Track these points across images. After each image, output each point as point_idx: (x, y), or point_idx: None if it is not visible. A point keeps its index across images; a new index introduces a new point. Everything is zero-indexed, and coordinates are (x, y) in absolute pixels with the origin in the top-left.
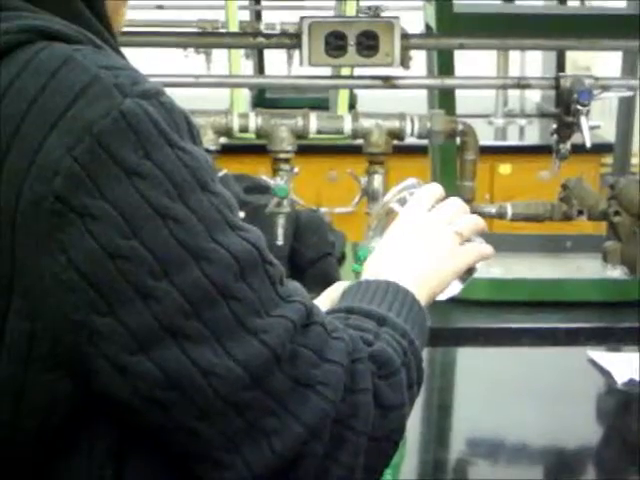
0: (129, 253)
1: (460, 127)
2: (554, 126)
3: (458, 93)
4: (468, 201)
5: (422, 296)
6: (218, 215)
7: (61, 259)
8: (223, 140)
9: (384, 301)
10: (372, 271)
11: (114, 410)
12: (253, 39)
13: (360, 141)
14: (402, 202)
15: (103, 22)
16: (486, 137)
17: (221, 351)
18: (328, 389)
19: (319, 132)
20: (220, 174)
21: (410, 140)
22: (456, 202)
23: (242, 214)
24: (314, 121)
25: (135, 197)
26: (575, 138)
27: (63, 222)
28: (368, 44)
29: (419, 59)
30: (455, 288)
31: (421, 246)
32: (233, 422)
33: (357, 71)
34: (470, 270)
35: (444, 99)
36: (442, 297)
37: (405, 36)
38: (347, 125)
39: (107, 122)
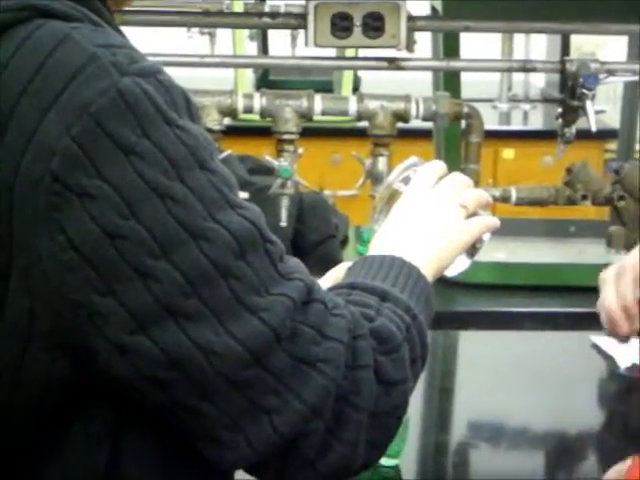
0: (128, 233)
1: (465, 110)
2: (559, 110)
3: (463, 77)
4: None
5: (429, 271)
6: (217, 193)
7: (60, 239)
8: (227, 121)
9: (388, 276)
10: (377, 248)
11: (113, 389)
12: (259, 19)
13: (364, 124)
14: (406, 181)
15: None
16: (490, 122)
17: (221, 330)
18: (329, 366)
19: (324, 113)
20: (224, 155)
21: (414, 123)
22: (459, 177)
23: (246, 195)
24: (319, 102)
25: (133, 176)
26: (579, 123)
27: (61, 202)
28: (374, 25)
29: (424, 42)
30: (463, 263)
31: (426, 221)
32: (234, 401)
33: (361, 53)
34: (477, 245)
35: (449, 82)
36: (451, 273)
37: (411, 18)
38: (352, 106)
39: (105, 101)
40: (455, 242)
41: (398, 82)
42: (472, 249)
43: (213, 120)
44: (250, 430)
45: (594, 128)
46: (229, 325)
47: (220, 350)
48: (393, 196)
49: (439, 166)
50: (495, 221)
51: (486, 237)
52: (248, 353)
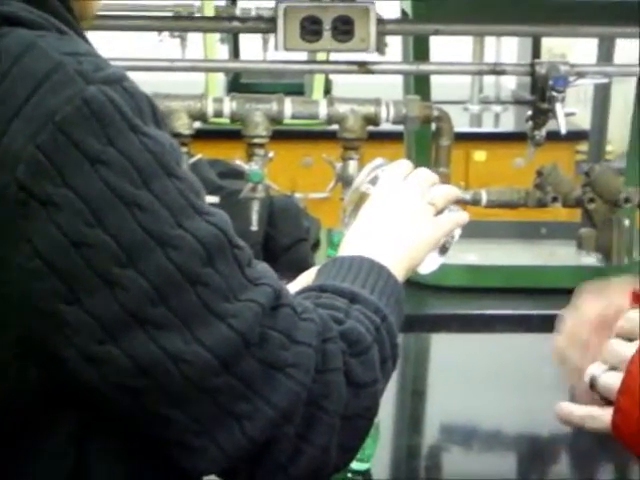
0: (94, 241)
1: (435, 113)
2: (529, 113)
3: (434, 80)
4: None
5: (399, 270)
6: (183, 200)
7: (26, 248)
8: (197, 125)
9: (357, 277)
10: (347, 249)
11: (81, 398)
12: (228, 23)
13: (335, 126)
14: (373, 183)
15: (67, 7)
16: (461, 124)
17: (190, 337)
18: (299, 371)
19: (294, 117)
20: (194, 159)
21: (385, 126)
22: (425, 173)
23: (217, 199)
24: (289, 106)
25: (99, 185)
26: (550, 125)
27: (27, 211)
28: (343, 29)
29: (395, 45)
30: (436, 261)
31: (395, 220)
32: (204, 407)
33: (333, 57)
34: (448, 242)
35: (419, 85)
36: (424, 270)
37: (381, 21)
38: (322, 110)
39: (70, 110)
40: (425, 239)
41: (370, 85)
42: (444, 246)
43: (183, 124)
44: (221, 436)
45: (564, 130)
46: (198, 332)
47: (189, 358)
48: (362, 199)
49: (405, 165)
50: (464, 216)
51: (457, 233)
52: (217, 360)
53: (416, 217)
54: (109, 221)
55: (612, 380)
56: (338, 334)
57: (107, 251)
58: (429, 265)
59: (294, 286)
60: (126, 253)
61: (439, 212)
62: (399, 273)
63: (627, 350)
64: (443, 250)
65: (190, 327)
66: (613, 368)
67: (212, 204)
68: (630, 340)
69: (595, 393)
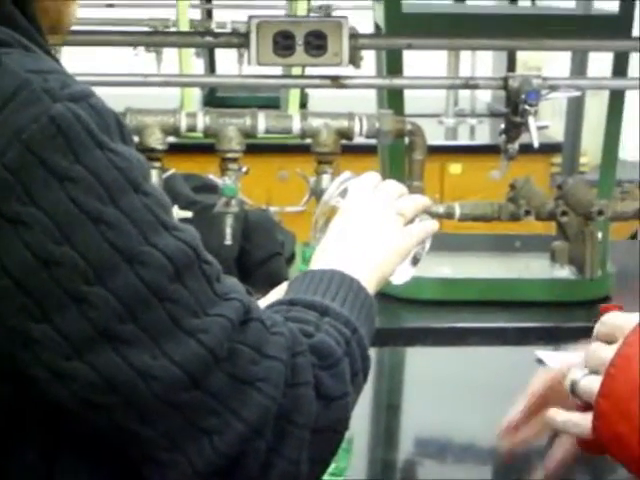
0: (61, 259)
1: (408, 127)
2: (502, 126)
3: (409, 93)
4: None
5: (370, 282)
6: (151, 216)
7: None
8: (171, 139)
9: (328, 291)
10: (318, 263)
11: (51, 414)
12: (201, 38)
13: (310, 140)
14: (343, 195)
15: (33, 24)
16: (437, 137)
17: (158, 353)
18: (268, 385)
19: (267, 131)
20: (168, 173)
21: (359, 140)
22: (393, 184)
23: (190, 213)
24: (262, 120)
25: (66, 202)
26: (525, 138)
27: None
28: (316, 44)
29: (370, 59)
30: (408, 271)
31: (365, 232)
32: (174, 423)
33: (308, 71)
34: (420, 251)
35: (393, 99)
36: (397, 281)
37: (353, 36)
38: (296, 124)
39: (36, 128)
40: (396, 250)
41: (346, 98)
42: (415, 256)
43: (156, 139)
44: (191, 451)
45: (536, 144)
46: (166, 348)
47: (158, 373)
48: (332, 212)
49: (373, 177)
50: (434, 224)
51: (428, 243)
52: (186, 375)
53: (385, 228)
54: (77, 238)
55: (592, 384)
56: (308, 347)
57: (75, 269)
58: (402, 276)
59: (266, 301)
60: (94, 270)
61: (409, 222)
62: (370, 285)
63: (606, 353)
64: (415, 260)
65: (159, 343)
66: (594, 372)
67: (183, 219)
68: (609, 343)
69: (576, 398)
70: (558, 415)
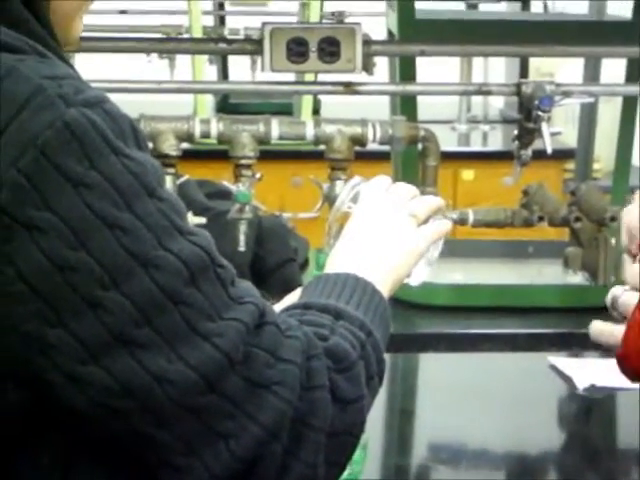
0: (77, 264)
1: (422, 133)
2: (515, 132)
3: (422, 99)
4: None
5: (384, 285)
6: (166, 221)
7: (9, 271)
8: (185, 145)
9: (342, 294)
10: (332, 267)
11: (66, 420)
12: (215, 45)
13: (323, 147)
14: (355, 200)
15: (47, 29)
16: (449, 143)
17: (174, 357)
18: (284, 389)
19: (281, 138)
20: (182, 180)
21: (372, 146)
22: (404, 187)
23: (204, 220)
24: (276, 127)
25: (81, 208)
26: (538, 144)
27: (10, 235)
28: (330, 50)
29: (383, 65)
30: (423, 272)
31: (378, 235)
32: (190, 427)
33: (321, 77)
34: (434, 252)
35: (406, 105)
36: (413, 282)
37: (367, 42)
38: (309, 131)
39: (51, 133)
40: (410, 251)
41: (358, 104)
42: (430, 257)
43: (170, 145)
44: (207, 455)
45: (549, 150)
46: (182, 352)
47: (173, 377)
48: (345, 218)
49: (384, 181)
50: (447, 224)
51: (441, 243)
52: (202, 379)
53: (399, 230)
54: (92, 244)
55: (630, 298)
56: (323, 351)
57: (90, 274)
58: (417, 277)
59: (280, 306)
60: (109, 275)
61: (422, 223)
62: (385, 288)
63: None
64: (430, 261)
65: (174, 347)
66: (635, 289)
67: (198, 225)
68: None
69: (615, 312)
70: (601, 325)
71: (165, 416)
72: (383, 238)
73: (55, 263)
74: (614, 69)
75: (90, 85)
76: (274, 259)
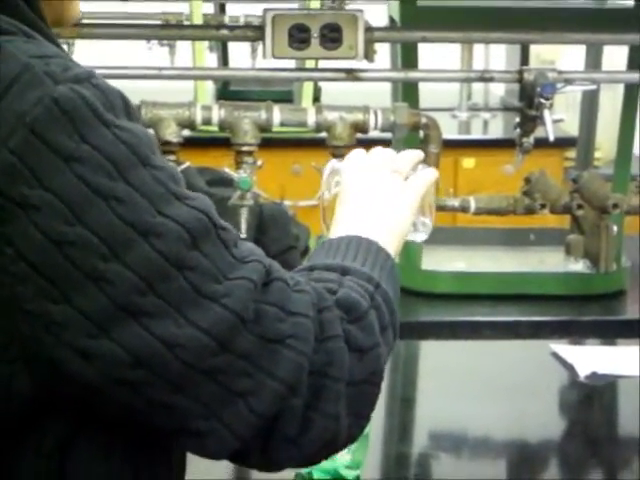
0: (75, 239)
1: (423, 120)
2: (517, 120)
3: (422, 87)
4: None
5: (388, 243)
6: (162, 188)
7: (8, 252)
8: (186, 132)
9: (347, 254)
10: (335, 231)
11: (72, 400)
12: (216, 31)
13: (324, 134)
14: (337, 181)
15: (36, 11)
16: (450, 131)
17: (183, 321)
18: (298, 341)
19: (282, 124)
20: (183, 167)
21: (374, 133)
22: (380, 150)
23: None
24: (277, 114)
25: (75, 182)
26: (539, 132)
27: (6, 215)
28: (332, 37)
29: (383, 52)
30: (426, 226)
31: (370, 198)
32: (207, 389)
33: (322, 64)
34: (429, 204)
35: (407, 92)
36: (417, 238)
37: (369, 29)
38: (311, 118)
39: (40, 110)
40: (403, 205)
41: (359, 92)
42: (426, 209)
43: (171, 132)
44: (227, 416)
45: (552, 137)
46: (191, 316)
47: (184, 342)
48: (334, 201)
49: (359, 152)
50: (433, 171)
51: (433, 190)
52: (214, 341)
53: (387, 188)
54: (89, 217)
55: None
56: (334, 303)
57: (90, 247)
58: (421, 231)
59: None
60: (109, 247)
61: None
62: (390, 247)
63: None
64: (428, 213)
65: (182, 311)
66: None
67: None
68: None
69: None
70: None
71: (180, 381)
72: (375, 200)
73: (53, 239)
74: (616, 56)
75: (79, 63)
76: (275, 246)
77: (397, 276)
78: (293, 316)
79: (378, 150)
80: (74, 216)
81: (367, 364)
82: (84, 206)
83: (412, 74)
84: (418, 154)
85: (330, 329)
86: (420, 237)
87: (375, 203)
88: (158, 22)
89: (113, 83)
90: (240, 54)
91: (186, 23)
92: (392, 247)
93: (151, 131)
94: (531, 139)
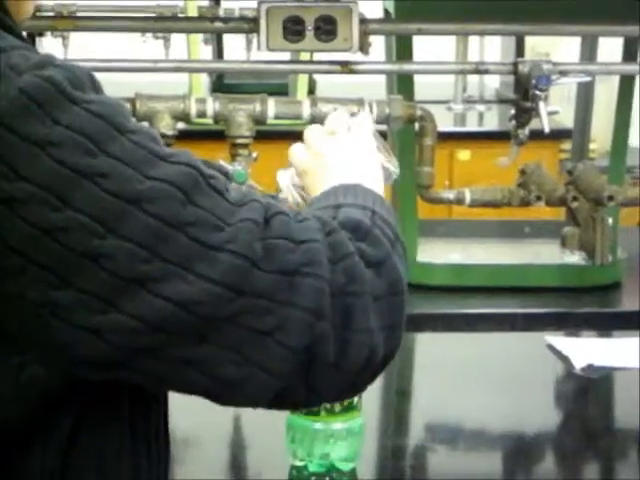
0: (66, 224)
1: (419, 113)
2: (512, 112)
3: (417, 79)
4: (427, 187)
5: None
6: (144, 151)
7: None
8: (181, 125)
9: (337, 197)
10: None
11: (89, 390)
12: (211, 24)
13: None
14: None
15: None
16: (445, 123)
17: (193, 277)
18: (313, 267)
19: (277, 117)
20: None
21: None
22: (309, 129)
23: None
24: (272, 106)
25: (55, 167)
26: (534, 124)
27: None
28: (326, 29)
29: (378, 45)
30: (394, 164)
31: (330, 166)
32: (232, 335)
33: (317, 56)
34: (384, 146)
35: (403, 84)
36: (391, 179)
37: (363, 21)
38: (305, 110)
39: (6, 104)
40: (363, 153)
41: (354, 84)
42: (382, 150)
43: (166, 125)
44: (259, 357)
45: (547, 129)
46: (199, 269)
47: (199, 297)
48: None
49: (296, 145)
50: (367, 112)
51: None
52: (228, 289)
53: (339, 149)
54: (76, 199)
55: None
56: (338, 225)
57: (82, 228)
58: (392, 173)
59: None
60: (102, 224)
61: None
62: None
63: None
64: (385, 152)
65: (190, 268)
66: None
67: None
68: None
69: None
70: None
71: (203, 333)
72: (337, 164)
73: (43, 229)
74: (611, 48)
75: (38, 51)
76: None
77: (390, 208)
78: (302, 244)
79: (307, 132)
80: (61, 201)
81: (386, 275)
82: (68, 190)
83: (407, 66)
84: (344, 109)
85: (342, 248)
86: (394, 176)
87: (339, 166)
88: (153, 14)
89: (108, 76)
90: (235, 47)
91: (181, 15)
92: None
93: (146, 123)
94: (526, 131)
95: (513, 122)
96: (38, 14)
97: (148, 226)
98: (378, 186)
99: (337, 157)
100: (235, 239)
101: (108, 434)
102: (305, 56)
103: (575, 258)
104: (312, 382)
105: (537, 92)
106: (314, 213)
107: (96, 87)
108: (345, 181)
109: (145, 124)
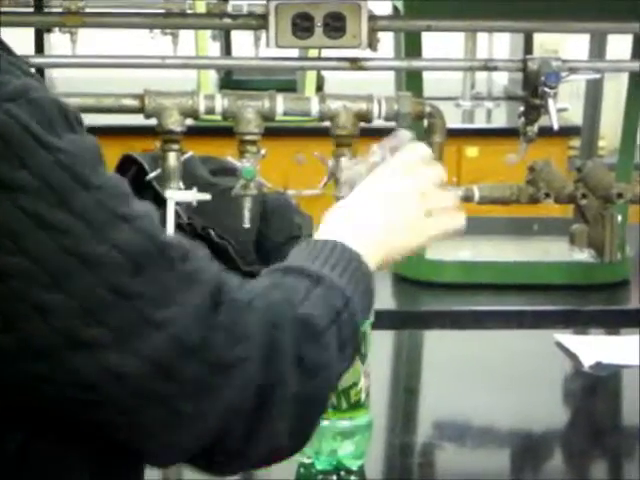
0: (16, 271)
1: (427, 109)
2: (521, 109)
3: (425, 76)
4: None
5: (374, 257)
6: (105, 212)
7: None
8: (189, 122)
9: (327, 261)
10: (324, 230)
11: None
12: (219, 20)
13: (327, 123)
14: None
15: None
16: (453, 120)
17: (126, 350)
18: (245, 364)
19: (286, 114)
20: (186, 156)
21: (377, 122)
22: (431, 172)
23: (208, 196)
24: (281, 103)
25: (14, 212)
26: (543, 121)
27: None
28: (335, 25)
29: (387, 41)
30: None
31: (381, 209)
32: (152, 415)
33: (325, 53)
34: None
35: (411, 81)
36: None
37: (372, 17)
38: (314, 107)
39: None
40: (409, 240)
41: (362, 81)
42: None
43: (174, 121)
44: (175, 439)
45: (556, 126)
46: (135, 344)
47: (129, 371)
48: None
49: (420, 148)
50: (460, 222)
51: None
52: (156, 370)
53: (405, 212)
54: (30, 248)
55: None
56: (291, 318)
57: (32, 278)
58: None
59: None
60: (52, 277)
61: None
62: (373, 261)
63: None
64: None
65: (125, 340)
66: None
67: (201, 201)
68: None
69: None
70: None
71: (127, 408)
72: (384, 214)
73: None
74: (620, 45)
75: (15, 72)
76: (279, 236)
77: (372, 293)
78: (241, 342)
79: (431, 171)
80: (16, 247)
81: (315, 384)
82: (25, 237)
83: (416, 63)
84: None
85: (281, 348)
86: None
87: (383, 219)
88: (161, 11)
89: (116, 73)
90: (243, 43)
91: (189, 12)
92: (375, 262)
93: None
94: (535, 128)
95: (522, 119)
96: (46, 10)
97: (95, 290)
98: (384, 261)
99: (393, 211)
100: (175, 321)
101: (59, 455)
102: (313, 52)
103: (584, 256)
104: (212, 461)
105: (546, 89)
106: (287, 282)
107: (71, 124)
108: (366, 235)
109: (116, 176)
